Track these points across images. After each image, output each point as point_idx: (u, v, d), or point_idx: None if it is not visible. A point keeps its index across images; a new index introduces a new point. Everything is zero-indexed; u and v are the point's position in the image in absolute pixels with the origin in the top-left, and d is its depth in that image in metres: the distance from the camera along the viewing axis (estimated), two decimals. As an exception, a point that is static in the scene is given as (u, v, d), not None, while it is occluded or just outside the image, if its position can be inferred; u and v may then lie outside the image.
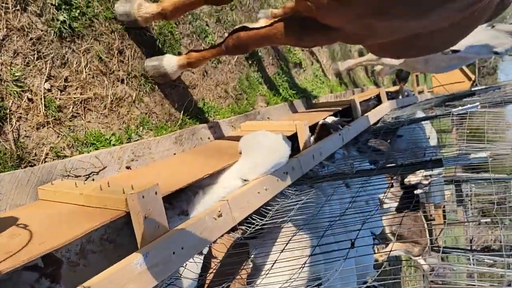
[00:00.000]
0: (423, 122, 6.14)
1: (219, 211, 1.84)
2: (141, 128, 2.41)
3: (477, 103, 3.92)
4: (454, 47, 4.22)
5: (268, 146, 2.31)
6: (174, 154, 2.54)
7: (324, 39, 1.98)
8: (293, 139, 3.16)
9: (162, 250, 1.49)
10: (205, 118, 2.99)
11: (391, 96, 7.10)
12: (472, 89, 5.55)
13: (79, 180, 1.84)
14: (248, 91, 3.67)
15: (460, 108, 4.01)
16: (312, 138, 3.61)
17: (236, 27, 2.35)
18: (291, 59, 4.69)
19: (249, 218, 2.12)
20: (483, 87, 5.47)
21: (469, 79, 12.73)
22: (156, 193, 1.57)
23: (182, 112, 2.78)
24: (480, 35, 4.34)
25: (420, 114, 5.50)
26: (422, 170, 4.13)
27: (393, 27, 1.77)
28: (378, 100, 5.54)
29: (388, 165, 2.80)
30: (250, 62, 3.77)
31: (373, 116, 4.84)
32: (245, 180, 2.21)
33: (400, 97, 7.24)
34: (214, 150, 2.66)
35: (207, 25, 3.19)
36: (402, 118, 5.19)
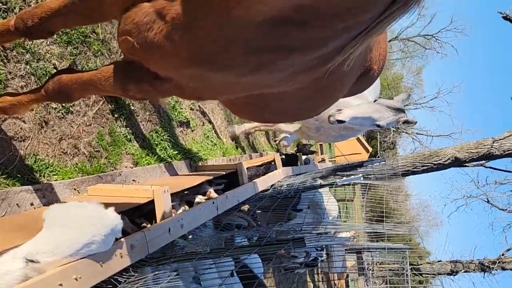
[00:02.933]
0: (323, 192, 6.05)
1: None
2: None
3: (360, 175, 3.83)
4: (339, 117, 4.20)
5: (82, 219, 1.76)
6: (-39, 226, 1.86)
7: (153, 90, 1.60)
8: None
9: None
10: (33, 178, 2.36)
11: (289, 162, 7.04)
12: (360, 161, 5.66)
13: None
14: (110, 148, 3.13)
15: (344, 178, 3.89)
16: (182, 208, 3.13)
17: (61, 69, 1.89)
18: (175, 117, 4.31)
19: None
20: (371, 159, 5.59)
21: (367, 151, 13.58)
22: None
23: (-6, 169, 2.15)
24: (363, 108, 4.41)
25: (316, 182, 5.39)
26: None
27: (227, 81, 1.45)
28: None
29: (244, 245, 2.40)
30: (117, 115, 3.28)
31: (262, 182, 4.55)
32: (30, 261, 1.58)
33: (299, 164, 7.23)
34: (31, 220, 2.03)
35: (55, 67, 2.68)
36: (294, 186, 5.00)
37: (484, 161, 8.63)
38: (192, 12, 1.23)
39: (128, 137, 3.39)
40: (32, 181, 2.35)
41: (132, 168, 3.31)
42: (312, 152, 7.74)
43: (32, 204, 2.27)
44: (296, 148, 7.93)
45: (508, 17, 8.23)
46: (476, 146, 8.10)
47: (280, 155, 6.49)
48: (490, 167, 8.83)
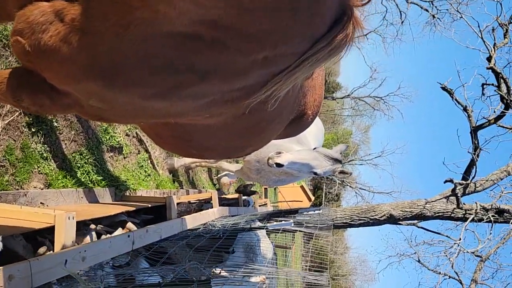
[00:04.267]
0: (259, 235, 5.88)
1: None
2: None
3: (291, 221, 3.74)
4: (278, 161, 4.15)
5: None
6: None
7: (51, 104, 1.41)
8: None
9: None
10: None
11: (228, 203, 6.85)
12: (296, 208, 5.62)
13: None
14: (19, 164, 2.82)
15: (275, 223, 3.77)
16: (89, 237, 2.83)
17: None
18: (106, 141, 4.04)
19: None
20: (307, 208, 5.57)
21: (309, 199, 13.71)
22: None
23: None
24: (302, 154, 4.41)
25: (254, 224, 5.23)
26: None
27: (131, 103, 1.31)
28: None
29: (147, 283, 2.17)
30: (34, 129, 2.99)
31: (193, 220, 4.32)
32: None
33: (239, 206, 7.06)
34: None
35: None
36: (226, 227, 4.81)
37: (416, 221, 8.91)
38: (92, 12, 1.10)
39: (45, 155, 3.09)
40: None
41: (42, 189, 2.99)
42: (254, 192, 7.61)
43: None
44: (236, 189, 7.78)
45: (446, 88, 8.90)
46: (410, 206, 8.39)
47: (220, 194, 6.31)
48: (422, 227, 9.12)
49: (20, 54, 1.28)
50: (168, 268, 2.89)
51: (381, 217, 8.30)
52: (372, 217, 8.32)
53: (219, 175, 8.03)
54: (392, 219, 8.36)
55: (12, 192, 2.65)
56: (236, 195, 7.56)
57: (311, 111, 2.55)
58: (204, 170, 7.58)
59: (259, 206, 9.26)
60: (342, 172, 4.39)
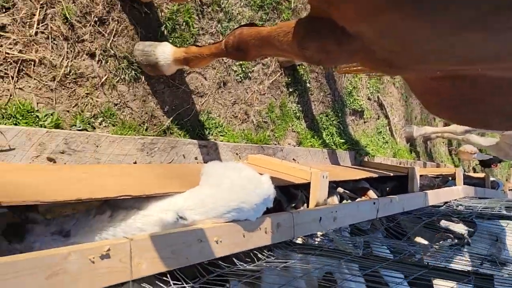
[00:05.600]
0: (504, 225, 4.90)
1: (107, 251, 1.21)
2: (100, 119, 1.91)
3: None
4: None
5: (234, 182, 1.64)
6: (135, 163, 1.99)
7: (338, 50, 1.30)
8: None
9: None
10: (202, 134, 2.42)
11: (471, 182, 5.92)
12: None
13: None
14: (278, 122, 3.04)
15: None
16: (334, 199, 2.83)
17: (244, 23, 1.79)
18: (350, 104, 3.98)
19: (165, 278, 1.45)
20: None
21: None
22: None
23: (172, 118, 2.25)
24: None
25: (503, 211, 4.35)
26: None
27: (437, 36, 1.04)
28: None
29: (411, 261, 1.93)
30: (291, 89, 3.16)
31: (435, 196, 3.86)
32: (181, 218, 1.55)
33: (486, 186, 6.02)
34: (189, 173, 2.06)
35: (242, 31, 2.67)
36: (476, 210, 4.11)
37: None
38: None
39: (298, 114, 3.24)
40: (201, 136, 2.41)
41: (294, 146, 3.16)
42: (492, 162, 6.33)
43: (196, 158, 2.32)
44: (480, 162, 6.63)
45: None
46: None
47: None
48: None
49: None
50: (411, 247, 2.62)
51: None
52: None
53: (460, 148, 7.02)
54: None
55: (272, 146, 2.88)
56: (482, 175, 6.46)
57: None
58: (443, 142, 6.76)
59: (509, 190, 7.72)
60: None
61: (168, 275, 1.42)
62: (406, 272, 1.72)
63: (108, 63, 1.94)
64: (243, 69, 2.72)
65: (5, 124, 1.56)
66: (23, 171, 1.44)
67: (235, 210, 1.59)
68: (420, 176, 3.92)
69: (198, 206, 1.54)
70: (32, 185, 1.29)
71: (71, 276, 1.11)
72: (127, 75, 2.01)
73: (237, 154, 2.58)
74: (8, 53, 1.58)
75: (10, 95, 1.60)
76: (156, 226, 1.50)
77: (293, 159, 3.11)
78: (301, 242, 2.07)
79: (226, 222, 1.62)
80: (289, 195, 2.65)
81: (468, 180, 6.05)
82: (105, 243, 1.24)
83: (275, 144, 2.99)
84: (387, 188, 3.55)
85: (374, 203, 2.76)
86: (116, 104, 1.98)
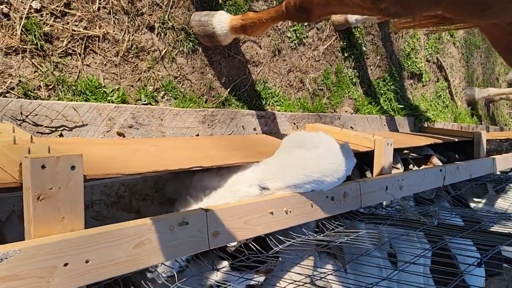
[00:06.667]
0: None
1: (184, 220, 1.22)
2: (162, 92, 1.92)
3: None
4: None
5: (313, 151, 1.60)
6: (197, 135, 2.00)
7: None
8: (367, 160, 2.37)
9: (47, 256, 0.94)
10: (259, 104, 2.38)
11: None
12: None
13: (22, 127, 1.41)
14: (334, 89, 2.93)
15: None
16: (400, 167, 2.72)
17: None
18: (408, 67, 3.76)
19: (241, 248, 1.45)
20: None
21: None
22: (73, 167, 1.04)
23: (229, 89, 2.22)
24: None
25: None
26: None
27: None
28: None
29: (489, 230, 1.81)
30: (346, 54, 3.02)
31: (504, 161, 3.62)
32: (263, 189, 1.55)
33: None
34: (251, 144, 2.04)
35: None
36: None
37: None
38: None
39: (354, 80, 3.11)
40: (258, 107, 2.37)
41: (352, 114, 3.05)
42: None
43: (255, 129, 2.29)
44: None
45: None
46: None
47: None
48: None
49: None
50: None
51: None
52: None
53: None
54: None
55: (329, 114, 2.80)
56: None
57: None
58: (507, 104, 6.30)
59: None
60: None
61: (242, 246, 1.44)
62: (487, 243, 1.61)
63: (167, 36, 1.92)
64: (297, 34, 2.62)
65: (76, 100, 1.60)
66: (98, 145, 1.48)
67: (316, 182, 1.56)
68: (487, 140, 3.67)
69: (278, 174, 1.52)
70: (110, 159, 1.31)
71: (154, 245, 1.14)
72: (185, 47, 1.99)
73: (294, 123, 2.52)
74: (74, 30, 1.60)
75: (79, 72, 1.63)
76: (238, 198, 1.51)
77: (351, 127, 3.00)
78: (367, 212, 2.02)
79: (296, 193, 1.59)
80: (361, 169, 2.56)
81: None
82: (183, 213, 1.26)
83: (332, 112, 2.90)
84: (456, 155, 3.35)
85: (440, 170, 2.62)
86: (176, 77, 1.98)
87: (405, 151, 2.75)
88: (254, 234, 1.44)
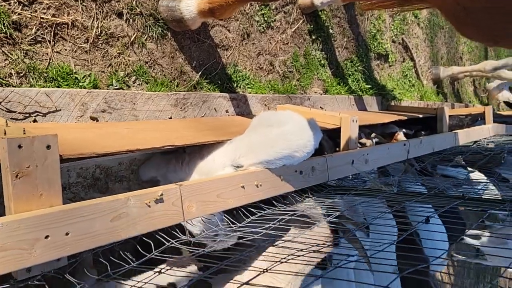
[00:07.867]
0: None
1: (160, 196, 1.30)
2: (133, 77, 1.97)
3: None
4: None
5: (280, 128, 1.69)
6: (170, 118, 2.06)
7: None
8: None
9: (29, 229, 1.01)
10: (230, 87, 2.45)
11: (502, 120, 5.80)
12: None
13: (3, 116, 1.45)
14: (303, 71, 3.03)
15: None
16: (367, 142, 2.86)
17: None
18: (374, 48, 3.90)
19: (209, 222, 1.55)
20: None
21: None
22: (49, 146, 1.10)
23: (200, 73, 2.29)
24: None
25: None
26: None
27: None
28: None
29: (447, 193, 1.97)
30: (314, 37, 3.12)
31: (465, 135, 3.83)
32: (237, 167, 1.65)
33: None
34: (224, 125, 2.13)
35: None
36: (507, 147, 4.06)
37: None
38: None
39: (322, 62, 3.21)
40: (229, 90, 2.44)
41: (321, 94, 3.17)
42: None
43: (227, 111, 2.37)
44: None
45: None
46: None
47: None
48: None
49: None
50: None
51: None
52: None
53: (488, 84, 6.80)
54: None
55: (299, 95, 2.90)
56: (512, 113, 6.30)
57: None
58: (471, 82, 6.57)
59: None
60: None
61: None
62: (441, 204, 1.76)
63: (136, 22, 1.96)
64: (265, 18, 2.70)
65: (48, 87, 1.64)
66: (72, 129, 1.53)
67: (287, 158, 1.66)
68: (449, 116, 3.87)
69: (249, 151, 1.61)
70: (85, 141, 1.37)
71: (131, 219, 1.21)
72: (154, 32, 2.04)
73: (265, 105, 2.62)
74: (43, 18, 1.63)
75: (50, 59, 1.66)
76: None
77: (320, 107, 3.12)
78: (335, 185, 2.14)
79: (269, 167, 1.68)
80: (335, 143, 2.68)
81: (498, 119, 5.92)
82: (158, 189, 1.34)
83: (302, 93, 3.00)
84: (422, 132, 3.53)
85: (404, 144, 2.78)
86: (147, 62, 2.03)
87: (373, 134, 2.88)
88: (226, 206, 1.54)
